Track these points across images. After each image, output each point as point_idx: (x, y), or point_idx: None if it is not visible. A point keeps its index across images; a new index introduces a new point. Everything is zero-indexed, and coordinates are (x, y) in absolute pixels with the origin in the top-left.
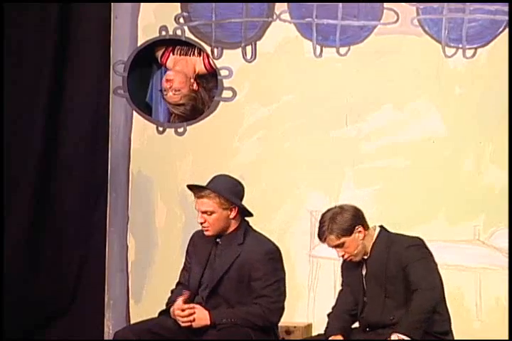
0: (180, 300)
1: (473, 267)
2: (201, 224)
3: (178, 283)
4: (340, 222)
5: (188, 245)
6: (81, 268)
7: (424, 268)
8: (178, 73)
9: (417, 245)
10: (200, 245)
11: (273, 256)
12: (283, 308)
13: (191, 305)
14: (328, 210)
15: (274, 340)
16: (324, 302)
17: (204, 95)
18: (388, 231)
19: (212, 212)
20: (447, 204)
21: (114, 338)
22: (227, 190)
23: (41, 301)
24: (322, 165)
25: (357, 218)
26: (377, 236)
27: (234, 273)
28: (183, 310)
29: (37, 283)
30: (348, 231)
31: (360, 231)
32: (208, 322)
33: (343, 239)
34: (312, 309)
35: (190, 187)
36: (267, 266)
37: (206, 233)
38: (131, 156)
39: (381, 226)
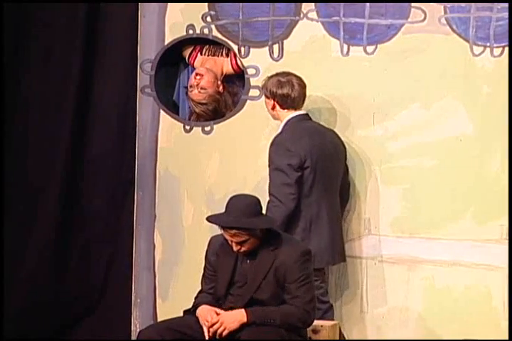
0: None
1: (500, 266)
2: (237, 250)
3: (200, 291)
4: None
5: (207, 252)
6: (108, 267)
7: None
8: (208, 71)
9: None
10: (222, 255)
11: (308, 257)
12: (315, 308)
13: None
14: None
15: (301, 340)
16: (351, 301)
17: (227, 99)
18: None
19: (246, 240)
20: (474, 204)
21: (138, 336)
22: (252, 215)
23: (69, 300)
24: (349, 164)
25: None
26: None
27: (271, 277)
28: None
29: (65, 282)
30: None
31: None
32: (245, 320)
33: None
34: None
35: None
36: (302, 267)
37: (241, 251)
38: (158, 155)
39: None
